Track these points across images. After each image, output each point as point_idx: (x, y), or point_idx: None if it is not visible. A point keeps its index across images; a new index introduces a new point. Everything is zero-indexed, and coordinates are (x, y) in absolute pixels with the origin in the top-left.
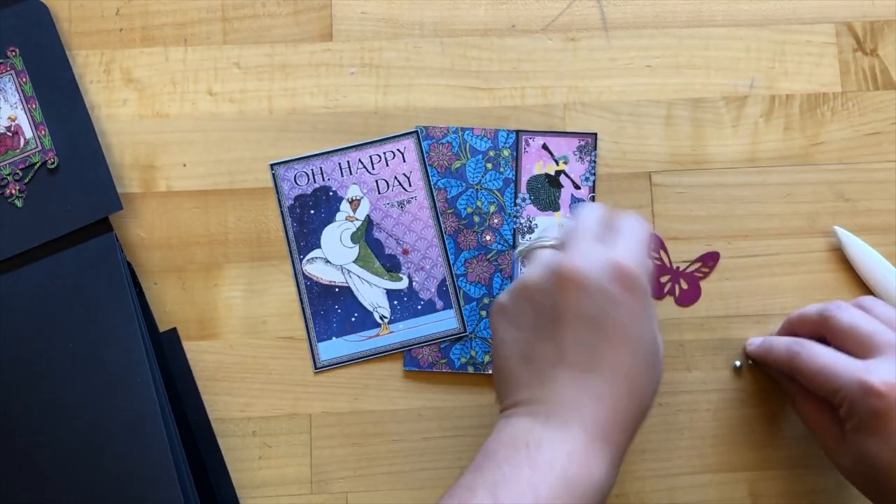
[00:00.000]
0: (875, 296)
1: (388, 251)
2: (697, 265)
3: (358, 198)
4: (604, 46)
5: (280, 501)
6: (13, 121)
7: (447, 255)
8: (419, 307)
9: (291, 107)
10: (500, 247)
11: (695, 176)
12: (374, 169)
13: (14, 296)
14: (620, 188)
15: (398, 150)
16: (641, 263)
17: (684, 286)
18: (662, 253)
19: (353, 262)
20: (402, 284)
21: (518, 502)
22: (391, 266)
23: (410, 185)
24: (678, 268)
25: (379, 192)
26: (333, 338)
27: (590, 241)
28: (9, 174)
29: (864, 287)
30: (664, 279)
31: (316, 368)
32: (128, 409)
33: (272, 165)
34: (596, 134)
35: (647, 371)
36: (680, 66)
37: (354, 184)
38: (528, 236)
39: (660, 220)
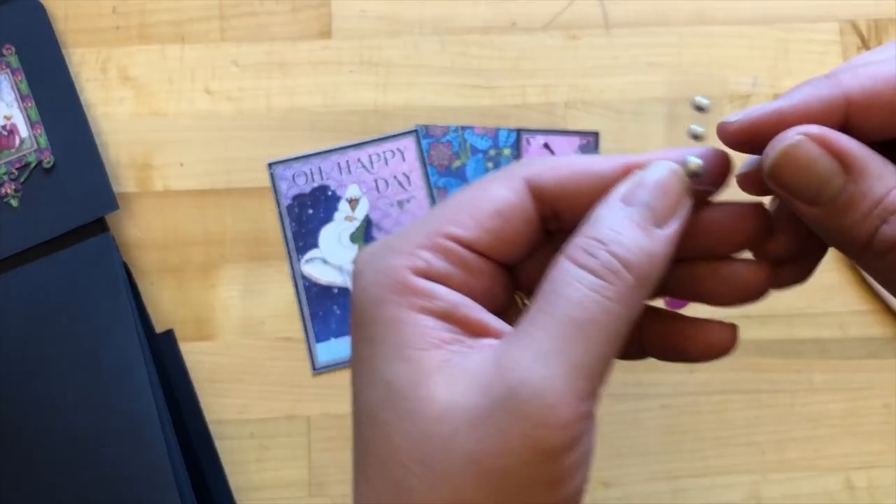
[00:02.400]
0: (882, 298)
1: None
2: None
3: (357, 197)
4: (605, 44)
5: None
6: (8, 119)
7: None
8: None
9: (290, 105)
10: None
11: None
12: (373, 168)
13: (9, 297)
14: None
15: (398, 149)
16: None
17: None
18: None
19: (352, 262)
20: None
21: None
22: None
23: (410, 185)
24: None
25: (378, 192)
26: (332, 339)
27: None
28: (4, 174)
29: (868, 286)
30: None
31: (314, 370)
32: (124, 410)
33: (270, 164)
34: (598, 133)
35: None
36: (682, 64)
37: (353, 183)
38: None
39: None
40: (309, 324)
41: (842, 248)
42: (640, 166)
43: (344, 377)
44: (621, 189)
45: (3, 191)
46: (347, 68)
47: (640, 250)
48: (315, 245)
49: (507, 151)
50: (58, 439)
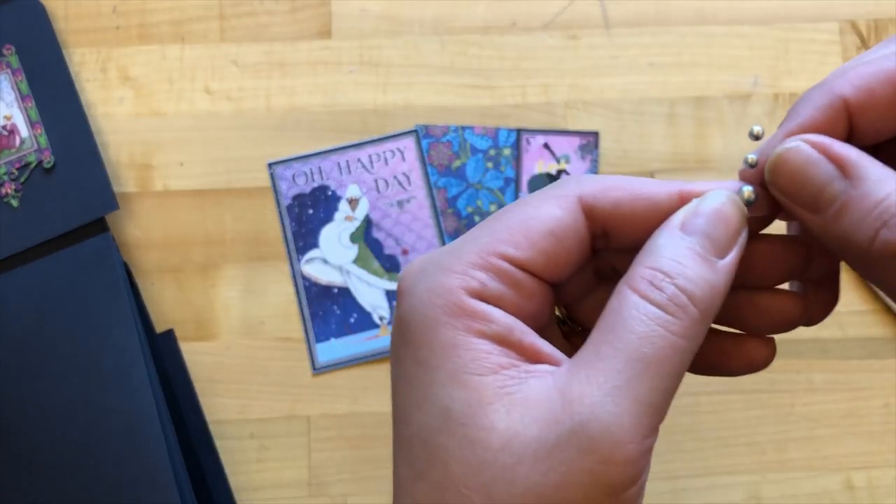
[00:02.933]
0: (882, 298)
1: (387, 251)
2: None
3: (357, 197)
4: (605, 44)
5: None
6: (9, 119)
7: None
8: None
9: (290, 105)
10: None
11: (698, 175)
12: (373, 168)
13: (9, 296)
14: None
15: (397, 148)
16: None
17: None
18: None
19: (352, 262)
20: None
21: None
22: (390, 266)
23: (410, 185)
24: None
25: (378, 192)
26: (332, 339)
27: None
28: (4, 174)
29: (868, 287)
30: None
31: (314, 370)
32: (124, 410)
33: (270, 164)
34: (598, 133)
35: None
36: (682, 64)
37: (353, 183)
38: None
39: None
40: (309, 324)
41: (844, 256)
42: (696, 194)
43: (344, 377)
44: (679, 217)
45: (4, 191)
46: (347, 68)
47: (705, 282)
48: (315, 245)
49: (507, 151)
50: (58, 439)
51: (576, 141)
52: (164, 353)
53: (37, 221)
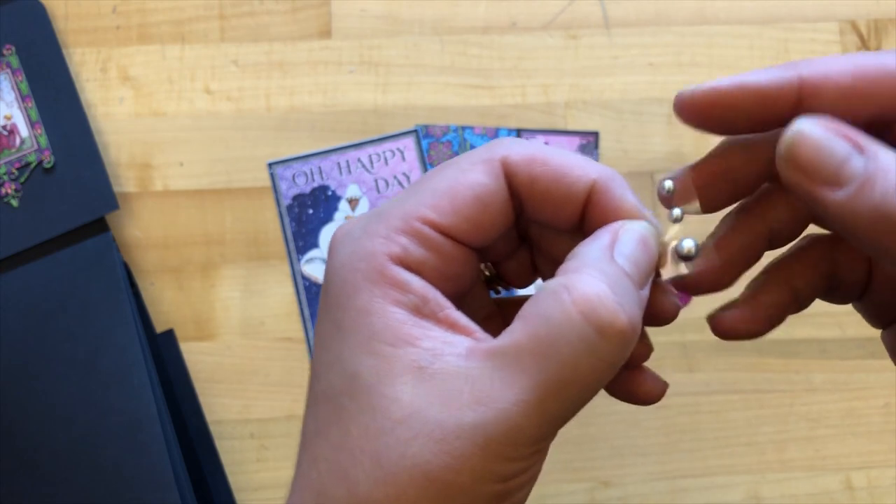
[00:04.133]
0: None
1: None
2: None
3: (357, 197)
4: (605, 44)
5: None
6: (9, 119)
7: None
8: None
9: (290, 105)
10: None
11: None
12: (373, 168)
13: (9, 296)
14: None
15: (397, 148)
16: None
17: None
18: None
19: None
20: None
21: None
22: None
23: (410, 185)
24: None
25: (378, 192)
26: None
27: None
28: (4, 173)
29: None
30: None
31: None
32: (124, 411)
33: (270, 164)
34: (598, 133)
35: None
36: (682, 64)
37: (353, 183)
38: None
39: (662, 220)
40: (309, 324)
41: (866, 233)
42: (608, 193)
43: None
44: (606, 237)
45: (4, 190)
46: (347, 68)
47: (634, 310)
48: (315, 245)
49: None
50: (58, 439)
51: (576, 141)
52: (164, 353)
53: (37, 221)
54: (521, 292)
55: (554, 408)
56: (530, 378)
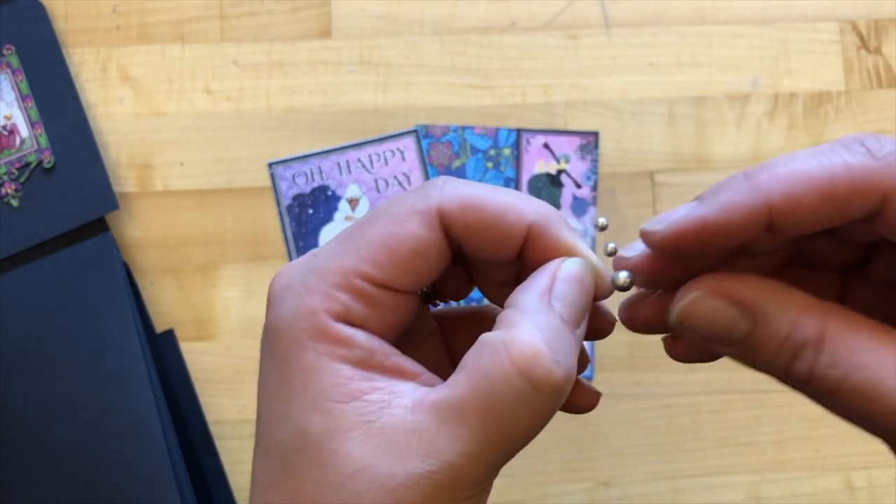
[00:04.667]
0: None
1: None
2: None
3: (357, 197)
4: (605, 44)
5: None
6: (9, 119)
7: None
8: None
9: (290, 105)
10: None
11: (697, 175)
12: (373, 168)
13: (9, 296)
14: (622, 187)
15: (397, 148)
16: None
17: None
18: None
19: None
20: None
21: None
22: None
23: (410, 185)
24: None
25: (378, 192)
26: None
27: None
28: (4, 173)
29: None
30: None
31: None
32: (124, 410)
33: (270, 164)
34: (597, 133)
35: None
36: (682, 64)
37: (353, 183)
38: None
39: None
40: None
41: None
42: (545, 234)
43: None
44: (545, 282)
45: (4, 190)
46: (347, 68)
47: (571, 356)
48: (315, 245)
49: (506, 151)
50: (58, 438)
51: (576, 141)
52: (164, 352)
53: (37, 221)
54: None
55: (495, 456)
56: (474, 433)
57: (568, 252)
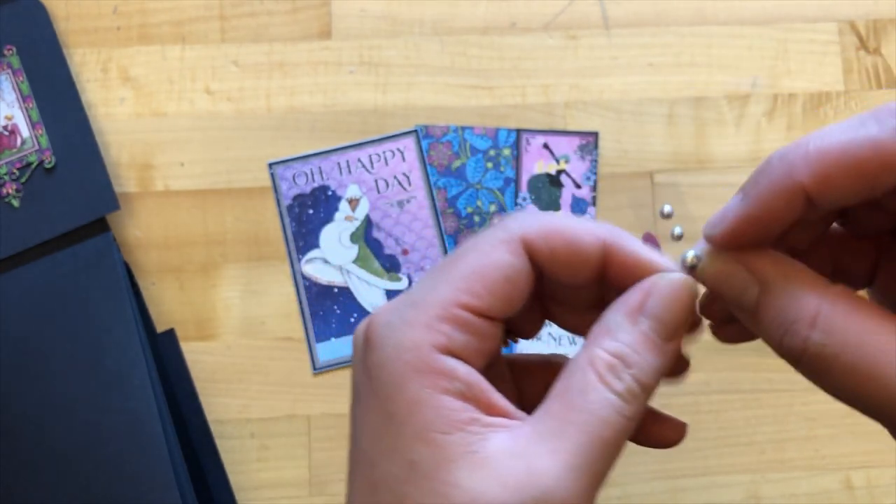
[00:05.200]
0: None
1: (387, 251)
2: None
3: (357, 197)
4: (605, 44)
5: (278, 503)
6: (10, 120)
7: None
8: None
9: (290, 105)
10: None
11: (697, 175)
12: (373, 168)
13: (10, 296)
14: (622, 187)
15: (397, 149)
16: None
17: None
18: None
19: (353, 262)
20: (402, 285)
21: None
22: (390, 266)
23: (410, 185)
24: None
25: (378, 192)
26: (332, 339)
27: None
28: (5, 174)
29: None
30: None
31: (315, 369)
32: (125, 410)
33: (270, 165)
34: (597, 133)
35: None
36: (682, 65)
37: (353, 183)
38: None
39: (661, 220)
40: (309, 323)
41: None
42: (620, 251)
43: (344, 377)
44: (636, 297)
45: (5, 191)
46: (347, 68)
47: (654, 370)
48: (315, 245)
49: (506, 151)
50: (59, 438)
51: (575, 141)
52: (164, 352)
53: (38, 221)
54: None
55: (599, 468)
56: (573, 443)
57: (645, 265)
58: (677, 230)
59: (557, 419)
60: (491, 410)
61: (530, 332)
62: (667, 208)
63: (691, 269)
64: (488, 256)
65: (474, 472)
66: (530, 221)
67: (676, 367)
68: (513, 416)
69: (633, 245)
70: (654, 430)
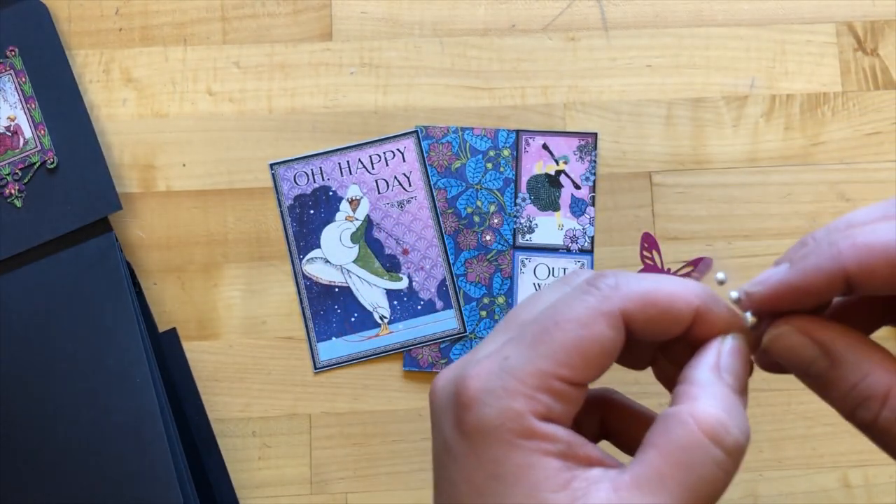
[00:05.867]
0: None
1: (387, 251)
2: (689, 269)
3: (358, 198)
4: (604, 46)
5: (280, 502)
6: (12, 120)
7: (447, 255)
8: (419, 307)
9: (291, 106)
10: (500, 247)
11: (695, 176)
12: (373, 169)
13: (13, 296)
14: (621, 188)
15: (398, 149)
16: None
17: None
18: (655, 253)
19: (353, 262)
20: (402, 284)
21: None
22: (391, 266)
23: (410, 185)
24: (669, 269)
25: (379, 192)
26: (333, 338)
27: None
28: (8, 174)
29: None
30: None
31: (316, 369)
32: (127, 409)
33: (272, 165)
34: (596, 133)
35: None
36: (680, 66)
37: (354, 183)
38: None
39: (660, 220)
40: (310, 323)
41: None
42: (710, 315)
43: (345, 376)
44: (713, 356)
45: (7, 191)
46: (348, 70)
47: (746, 425)
48: (316, 245)
49: (506, 152)
50: (61, 437)
51: (574, 142)
52: (166, 352)
53: (40, 221)
54: None
55: None
56: (676, 498)
57: (731, 326)
58: (734, 294)
59: (661, 472)
60: (588, 462)
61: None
62: (720, 276)
63: (737, 302)
64: (589, 330)
65: None
66: (628, 290)
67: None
68: (607, 464)
69: (722, 309)
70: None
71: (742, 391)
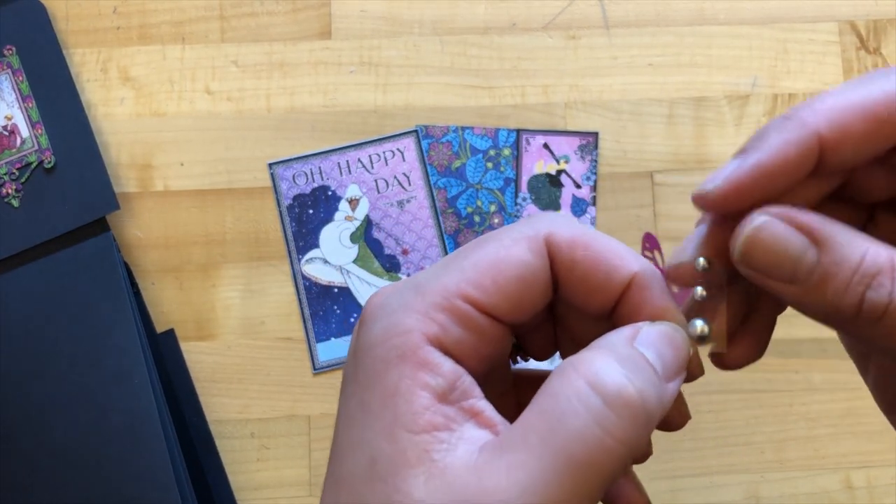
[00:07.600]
0: None
1: (387, 251)
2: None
3: (357, 197)
4: (605, 45)
5: (278, 503)
6: (9, 120)
7: (447, 255)
8: None
9: (290, 105)
10: None
11: (697, 175)
12: (373, 168)
13: (10, 296)
14: (622, 188)
15: (397, 149)
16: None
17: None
18: (656, 253)
19: (353, 262)
20: None
21: None
22: (390, 266)
23: (410, 185)
24: None
25: (378, 192)
26: (332, 338)
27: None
28: (5, 174)
29: None
30: None
31: (315, 369)
32: (125, 410)
33: (270, 165)
34: (597, 133)
35: None
36: (682, 65)
37: (353, 183)
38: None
39: (661, 220)
40: (309, 323)
41: (830, 323)
42: (648, 292)
43: None
44: (628, 330)
45: (4, 191)
46: (347, 68)
47: (655, 390)
48: (315, 245)
49: (506, 151)
50: (59, 439)
51: (575, 141)
52: (164, 352)
53: (37, 221)
54: (539, 365)
55: (562, 496)
56: (536, 457)
57: (664, 313)
58: (701, 261)
59: (526, 426)
60: (475, 418)
61: (543, 352)
62: (701, 261)
63: (700, 339)
64: (506, 250)
65: (429, 482)
66: (561, 224)
67: (674, 418)
68: (496, 430)
69: (662, 290)
70: (622, 493)
71: (664, 376)
